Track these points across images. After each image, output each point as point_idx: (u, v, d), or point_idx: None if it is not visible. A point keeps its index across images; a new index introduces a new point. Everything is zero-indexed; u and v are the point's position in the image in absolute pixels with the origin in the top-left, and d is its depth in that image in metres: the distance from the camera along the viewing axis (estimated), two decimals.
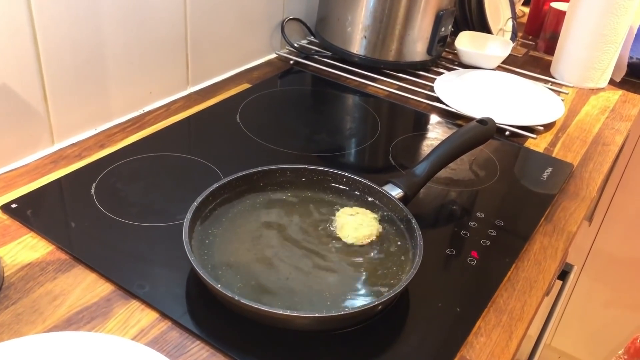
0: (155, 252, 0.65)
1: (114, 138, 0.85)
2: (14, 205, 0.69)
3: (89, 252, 0.64)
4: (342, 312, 0.56)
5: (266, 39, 1.13)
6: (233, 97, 1.00)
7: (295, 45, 1.17)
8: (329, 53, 1.16)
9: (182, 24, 0.92)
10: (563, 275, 0.93)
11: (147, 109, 0.92)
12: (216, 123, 0.92)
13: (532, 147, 0.95)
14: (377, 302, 0.56)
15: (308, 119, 0.98)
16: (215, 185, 0.68)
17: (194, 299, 0.59)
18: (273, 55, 1.16)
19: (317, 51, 1.17)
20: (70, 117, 0.81)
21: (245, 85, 1.04)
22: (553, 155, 0.94)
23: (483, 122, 0.80)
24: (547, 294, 0.78)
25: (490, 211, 0.78)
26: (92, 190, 0.73)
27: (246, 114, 0.95)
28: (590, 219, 1.39)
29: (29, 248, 0.64)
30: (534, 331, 0.83)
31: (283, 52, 1.16)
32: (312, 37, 1.21)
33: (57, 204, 0.71)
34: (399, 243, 0.67)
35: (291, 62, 1.14)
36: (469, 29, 1.23)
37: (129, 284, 0.60)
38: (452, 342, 0.58)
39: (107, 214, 0.69)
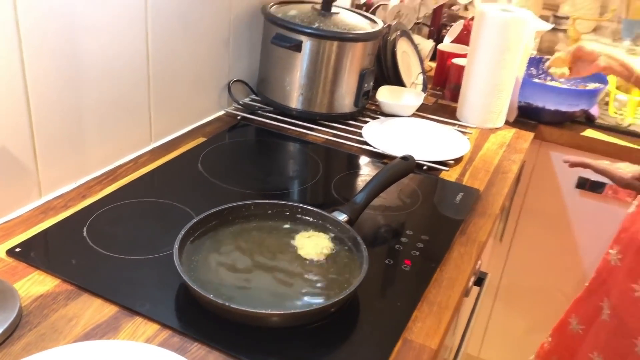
0: (148, 277, 0.78)
1: (93, 189, 0.97)
2: (17, 249, 0.80)
3: (93, 282, 0.76)
4: (309, 309, 0.71)
5: (216, 99, 1.29)
6: (192, 150, 1.14)
7: (241, 102, 1.34)
8: (271, 108, 1.33)
9: (146, 89, 1.07)
10: (479, 281, 1.12)
11: (118, 163, 1.05)
12: (181, 172, 1.06)
13: (446, 178, 1.16)
14: (336, 300, 0.72)
15: (260, 165, 1.14)
16: (194, 220, 0.82)
17: (185, 310, 0.73)
18: (222, 112, 1.32)
19: (260, 107, 1.34)
20: (54, 173, 0.93)
21: (201, 139, 1.19)
22: (463, 183, 1.14)
23: (405, 158, 1.00)
24: (466, 294, 0.96)
25: (417, 229, 0.96)
26: (84, 233, 0.85)
27: (206, 163, 1.10)
28: (501, 237, 1.62)
29: (38, 283, 0.75)
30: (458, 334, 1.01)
31: (230, 109, 1.32)
32: (255, 95, 1.38)
33: (56, 245, 0.82)
34: (348, 257, 0.83)
35: (238, 117, 1.30)
36: (387, 84, 1.45)
37: (132, 304, 0.73)
38: (397, 328, 0.75)
39: (101, 251, 0.82)
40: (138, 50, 1.02)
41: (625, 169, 1.03)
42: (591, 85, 1.50)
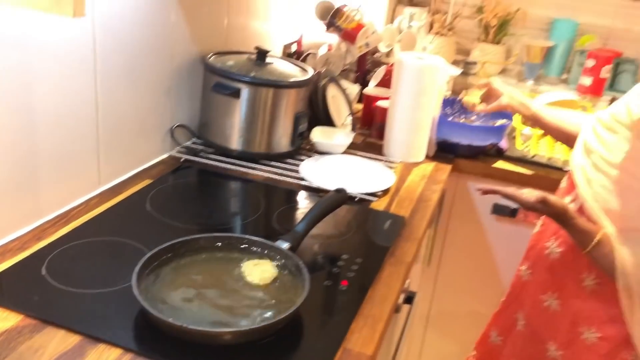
0: (108, 308, 0.85)
1: (47, 231, 1.03)
2: None
3: (55, 315, 0.81)
4: (259, 325, 0.80)
5: (160, 143, 1.37)
6: (139, 191, 1.22)
7: (183, 146, 1.42)
8: (212, 150, 1.43)
9: (95, 136, 1.14)
10: (409, 300, 1.24)
11: (70, 206, 1.11)
12: (131, 212, 1.13)
13: (375, 207, 1.28)
14: (283, 316, 0.81)
15: (205, 203, 1.23)
16: (149, 254, 0.90)
17: (145, 334, 0.80)
18: (166, 155, 1.40)
19: (202, 149, 1.43)
20: (9, 217, 0.98)
21: (148, 181, 1.26)
22: (390, 211, 1.27)
23: (339, 191, 1.12)
24: (397, 310, 1.08)
25: (352, 253, 1.07)
26: (43, 272, 0.91)
27: (154, 203, 1.17)
28: (429, 262, 1.76)
29: (2, 319, 0.80)
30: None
31: (174, 152, 1.40)
32: (196, 138, 1.47)
33: (17, 284, 0.88)
34: (292, 280, 0.93)
35: (181, 159, 1.39)
36: (320, 125, 1.58)
37: (95, 332, 0.79)
38: (337, 340, 0.85)
39: (61, 287, 0.88)
40: (88, 100, 1.10)
41: (529, 193, 1.19)
42: (499, 122, 1.69)
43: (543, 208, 1.14)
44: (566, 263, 1.20)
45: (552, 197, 1.13)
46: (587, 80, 2.03)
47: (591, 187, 1.15)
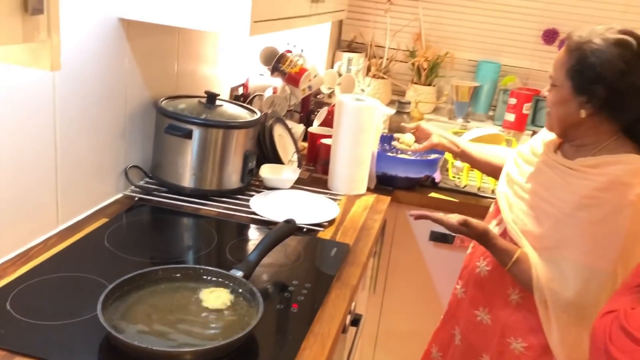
0: (73, 337, 0.90)
1: (8, 270, 1.07)
2: None
3: (23, 346, 0.86)
4: (217, 344, 0.88)
5: (114, 183, 1.43)
6: (97, 229, 1.27)
7: (137, 185, 1.49)
8: (165, 189, 1.49)
9: (54, 177, 1.20)
10: (356, 322, 1.33)
11: (29, 245, 1.16)
12: (90, 249, 1.19)
13: (322, 237, 1.38)
14: (240, 336, 0.89)
15: (160, 239, 1.30)
16: (111, 286, 0.96)
17: (110, 358, 0.86)
18: (120, 195, 1.46)
19: (155, 188, 1.50)
20: None
21: (104, 220, 1.32)
22: (336, 240, 1.38)
23: (288, 222, 1.21)
24: (344, 330, 1.16)
25: (301, 279, 1.16)
26: (8, 307, 0.95)
27: (111, 240, 1.23)
28: (374, 289, 1.86)
29: None
30: None
31: (128, 192, 1.47)
32: (149, 178, 1.54)
33: None
34: (246, 305, 1.00)
35: (135, 198, 1.45)
36: (268, 162, 1.68)
37: (62, 359, 0.84)
38: (289, 356, 0.93)
39: (27, 320, 0.92)
40: (47, 143, 1.16)
41: (454, 217, 1.32)
42: (432, 156, 1.84)
43: (465, 230, 1.28)
44: (494, 280, 1.33)
45: (473, 220, 1.27)
46: (510, 117, 2.23)
47: (512, 211, 1.30)
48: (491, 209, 1.44)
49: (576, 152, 1.26)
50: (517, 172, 1.36)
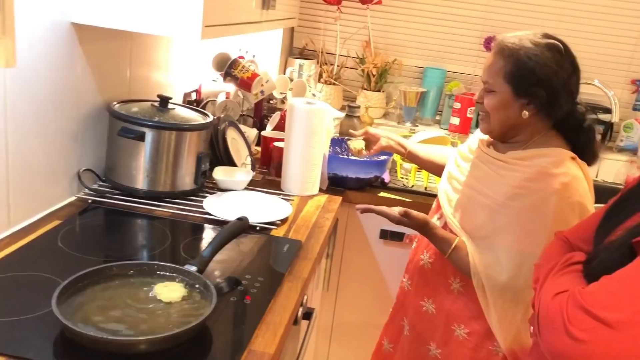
0: (30, 331, 0.92)
1: None
2: None
3: None
4: (171, 333, 0.91)
5: (67, 186, 1.44)
6: (49, 231, 1.28)
7: (91, 188, 1.50)
8: (119, 191, 1.51)
9: (5, 180, 1.20)
10: (309, 316, 1.37)
11: None
12: (43, 249, 1.20)
13: (275, 234, 1.43)
14: (193, 325, 0.92)
15: (114, 239, 1.32)
16: (65, 282, 0.98)
17: (65, 350, 0.88)
18: (74, 198, 1.46)
19: (109, 191, 1.51)
20: None
21: (57, 222, 1.33)
22: (289, 237, 1.42)
23: (240, 219, 1.26)
24: (296, 322, 1.21)
25: (255, 274, 1.21)
26: None
27: (65, 240, 1.24)
28: (327, 287, 1.92)
29: None
30: None
31: (81, 195, 1.47)
32: (102, 181, 1.55)
33: None
34: (200, 297, 1.04)
35: (89, 201, 1.46)
36: (221, 165, 1.71)
37: (18, 352, 0.86)
38: (242, 343, 0.97)
39: None
40: None
41: (396, 209, 1.39)
42: (382, 157, 1.92)
43: (407, 220, 1.35)
44: (436, 270, 1.40)
45: (414, 212, 1.35)
46: (456, 120, 2.34)
47: (451, 206, 1.38)
48: (433, 205, 1.52)
49: (508, 146, 1.35)
50: (457, 169, 1.44)
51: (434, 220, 1.41)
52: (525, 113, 1.29)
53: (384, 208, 1.37)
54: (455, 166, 1.45)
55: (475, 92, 2.46)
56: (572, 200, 1.24)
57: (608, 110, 2.29)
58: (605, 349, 0.69)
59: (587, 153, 1.32)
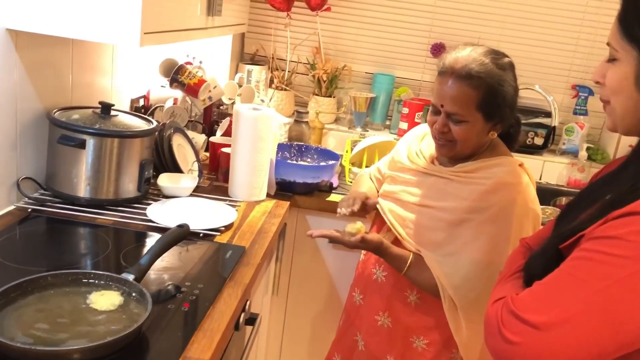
0: None
1: None
2: None
3: None
4: (104, 341, 0.91)
5: (5, 195, 1.41)
6: None
7: (31, 197, 1.47)
8: (60, 200, 1.49)
9: None
10: (252, 321, 1.38)
11: None
12: None
13: (219, 241, 1.43)
14: (126, 333, 0.92)
15: (53, 248, 1.30)
16: None
17: None
18: (12, 207, 1.44)
19: (50, 200, 1.49)
20: None
21: None
22: (232, 243, 1.43)
23: (180, 226, 1.26)
24: (237, 328, 1.22)
25: (194, 281, 1.21)
26: None
27: (1, 251, 1.22)
28: (276, 291, 1.93)
29: None
30: None
31: (21, 204, 1.45)
32: (43, 190, 1.53)
33: None
34: (137, 305, 1.04)
35: (29, 210, 1.44)
36: (167, 172, 1.70)
37: None
38: (177, 350, 0.98)
39: None
40: None
41: (350, 231, 1.31)
42: (330, 162, 1.94)
43: (363, 245, 1.34)
44: (391, 284, 1.41)
45: (369, 235, 1.34)
46: (404, 125, 2.38)
47: (407, 225, 1.37)
48: (374, 220, 1.52)
49: (453, 160, 1.37)
50: (396, 186, 1.43)
51: (382, 236, 1.39)
52: (494, 133, 1.33)
53: (340, 235, 1.35)
54: (393, 184, 1.46)
55: (423, 97, 2.53)
56: (527, 207, 1.28)
57: (549, 115, 2.38)
58: (535, 349, 0.75)
59: (514, 145, 1.41)
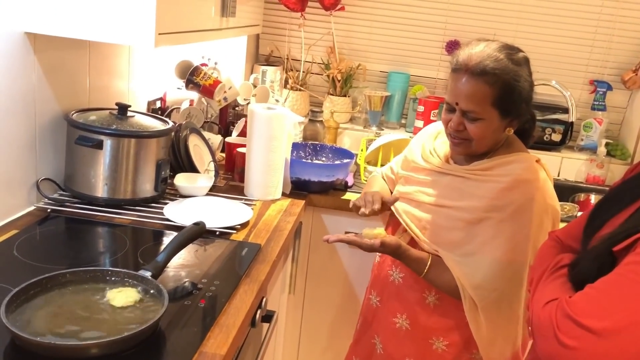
0: None
1: None
2: None
3: None
4: (121, 336, 0.92)
5: (25, 196, 1.44)
6: (5, 241, 1.28)
7: (50, 197, 1.50)
8: (79, 200, 1.51)
9: None
10: (268, 318, 1.39)
11: None
12: None
13: (235, 239, 1.44)
14: (143, 328, 0.94)
15: (72, 246, 1.32)
16: (16, 289, 0.98)
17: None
18: (32, 208, 1.46)
19: (68, 200, 1.51)
20: None
21: (14, 231, 1.33)
22: (248, 241, 1.44)
23: (197, 224, 1.27)
24: (253, 324, 1.22)
25: (210, 278, 1.22)
26: None
27: (21, 250, 1.24)
28: (293, 290, 1.93)
29: None
30: None
31: (41, 204, 1.47)
32: (62, 190, 1.55)
33: None
34: (154, 301, 1.05)
35: (48, 210, 1.46)
36: (183, 171, 1.72)
37: None
38: (194, 345, 0.99)
39: None
40: None
41: (368, 241, 1.28)
42: (345, 160, 1.94)
43: (382, 249, 1.31)
44: (409, 286, 1.39)
45: (387, 239, 1.30)
46: (420, 123, 2.37)
47: (418, 223, 1.36)
48: (388, 221, 1.50)
49: (469, 158, 1.35)
50: (410, 187, 1.42)
51: (398, 237, 1.38)
52: (510, 130, 1.31)
53: (357, 239, 1.31)
54: (407, 184, 1.45)
55: (439, 94, 2.52)
56: (545, 203, 1.26)
57: (567, 111, 2.35)
58: (593, 354, 0.74)
59: (529, 140, 1.39)
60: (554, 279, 0.91)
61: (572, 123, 2.37)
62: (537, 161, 1.31)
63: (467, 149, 1.32)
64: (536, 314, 0.85)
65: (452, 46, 2.46)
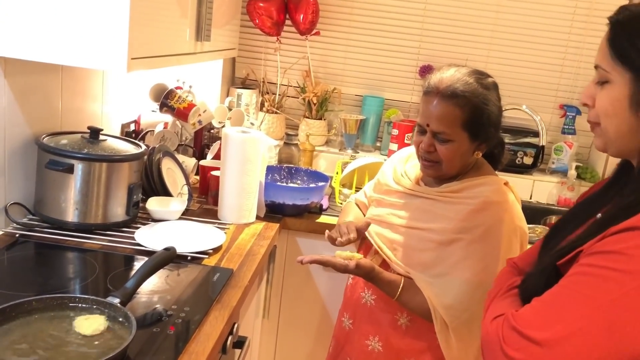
0: None
1: None
2: None
3: None
4: None
5: None
6: None
7: (19, 222, 1.47)
8: (49, 225, 1.49)
9: None
10: (240, 344, 1.37)
11: None
12: None
13: (207, 264, 1.43)
14: (112, 355, 0.92)
15: (41, 273, 1.30)
16: None
17: None
18: (0, 233, 1.44)
19: (38, 225, 1.49)
20: None
21: None
22: (221, 266, 1.43)
23: (167, 249, 1.26)
24: (224, 351, 1.21)
25: (181, 304, 1.21)
26: None
27: None
28: (267, 315, 1.92)
29: None
30: None
31: (9, 229, 1.45)
32: (32, 215, 1.53)
33: None
34: (122, 329, 1.03)
35: (17, 235, 1.44)
36: (156, 195, 1.71)
37: None
38: None
39: None
40: None
41: (342, 262, 1.28)
42: (320, 183, 1.95)
43: (356, 271, 1.31)
44: (381, 308, 1.40)
45: (362, 261, 1.30)
46: (394, 147, 2.40)
47: (395, 248, 1.37)
48: (360, 244, 1.50)
49: (439, 180, 1.38)
50: (382, 209, 1.43)
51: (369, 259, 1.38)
52: (479, 153, 1.34)
53: (332, 260, 1.30)
54: (379, 207, 1.46)
55: (413, 118, 2.55)
56: (514, 225, 1.29)
57: (538, 134, 2.40)
58: None
59: (498, 166, 1.43)
60: (505, 297, 0.92)
61: (543, 147, 2.42)
62: (506, 184, 1.34)
63: (437, 172, 1.35)
64: (484, 329, 0.86)
65: (425, 70, 2.51)
